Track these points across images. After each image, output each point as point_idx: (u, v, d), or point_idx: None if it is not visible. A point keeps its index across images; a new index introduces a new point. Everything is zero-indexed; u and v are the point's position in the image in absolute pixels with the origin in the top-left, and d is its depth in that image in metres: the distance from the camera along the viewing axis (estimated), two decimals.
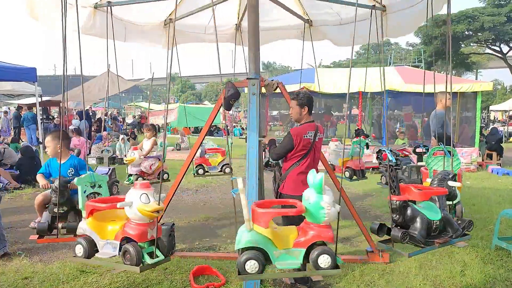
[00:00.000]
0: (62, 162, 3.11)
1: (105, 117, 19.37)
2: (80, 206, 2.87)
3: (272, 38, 6.20)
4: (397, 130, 17.56)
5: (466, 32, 26.15)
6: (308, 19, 5.54)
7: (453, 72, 31.10)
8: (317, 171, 3.77)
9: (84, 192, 2.98)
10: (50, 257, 4.48)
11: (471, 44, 29.21)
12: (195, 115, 20.49)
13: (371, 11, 4.38)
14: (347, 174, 5.26)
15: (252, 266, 2.20)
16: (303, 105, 3.71)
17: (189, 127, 22.43)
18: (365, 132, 5.80)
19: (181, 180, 4.40)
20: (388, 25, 4.78)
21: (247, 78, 4.08)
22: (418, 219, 2.75)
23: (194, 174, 5.82)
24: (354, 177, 5.23)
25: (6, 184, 7.99)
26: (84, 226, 2.69)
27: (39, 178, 4.14)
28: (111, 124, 21.05)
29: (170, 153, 15.21)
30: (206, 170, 5.90)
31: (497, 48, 28.93)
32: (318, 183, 2.25)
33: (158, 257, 2.53)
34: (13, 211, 6.48)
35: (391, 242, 2.83)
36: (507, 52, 28.91)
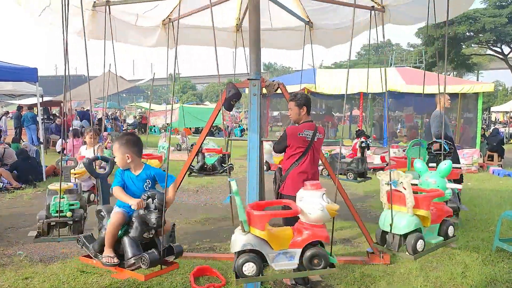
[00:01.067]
0: (136, 173, 2.69)
1: (105, 117, 19.36)
2: (241, 218, 2.31)
3: (276, 44, 6.22)
4: (398, 131, 17.54)
5: (467, 33, 26.15)
6: (309, 21, 5.54)
7: (454, 73, 31.11)
8: (317, 170, 3.78)
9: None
10: (51, 257, 4.47)
11: (472, 45, 29.21)
12: (195, 115, 20.48)
13: (371, 12, 4.39)
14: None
15: (250, 268, 2.21)
16: (301, 105, 3.78)
17: (190, 128, 22.43)
18: (366, 133, 5.79)
19: (181, 181, 4.40)
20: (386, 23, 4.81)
21: (248, 79, 4.08)
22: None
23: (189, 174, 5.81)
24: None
25: (7, 183, 8.00)
26: (253, 240, 2.28)
27: (121, 194, 2.60)
28: (112, 125, 21.06)
29: (170, 153, 15.23)
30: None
31: (498, 49, 28.93)
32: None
33: None
34: (13, 211, 6.49)
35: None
36: (508, 53, 28.92)
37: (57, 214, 3.16)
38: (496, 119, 33.57)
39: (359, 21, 5.02)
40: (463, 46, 28.32)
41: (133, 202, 2.45)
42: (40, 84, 9.63)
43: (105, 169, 3.46)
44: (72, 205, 3.23)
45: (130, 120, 26.57)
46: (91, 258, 2.65)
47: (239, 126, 24.84)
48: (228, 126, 24.26)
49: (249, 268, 2.21)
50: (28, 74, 8.92)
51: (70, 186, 3.43)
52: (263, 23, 5.03)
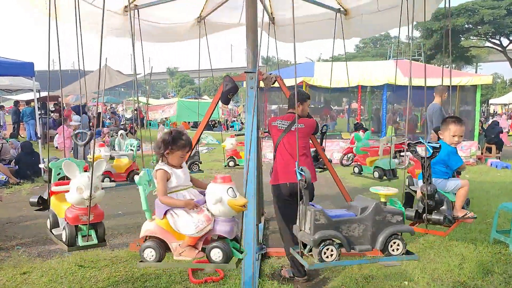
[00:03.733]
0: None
1: (101, 111, 19.29)
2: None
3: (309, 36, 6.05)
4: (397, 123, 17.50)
5: (466, 26, 26.04)
6: (340, 8, 5.09)
7: (453, 65, 31.02)
8: (302, 159, 3.77)
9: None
10: (49, 252, 4.48)
11: (471, 38, 29.11)
12: (194, 109, 20.41)
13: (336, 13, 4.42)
14: (376, 174, 4.96)
15: (149, 254, 2.32)
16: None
17: (188, 122, 22.38)
18: (364, 126, 5.79)
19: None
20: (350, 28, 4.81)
21: (245, 72, 4.06)
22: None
23: (225, 165, 6.03)
24: (384, 177, 4.95)
25: (6, 179, 7.99)
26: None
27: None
28: (111, 119, 20.98)
29: None
30: (237, 163, 6.01)
31: (497, 42, 28.84)
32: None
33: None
34: (11, 206, 6.48)
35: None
36: (507, 45, 28.84)
37: None
38: (494, 111, 33.57)
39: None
40: (462, 39, 28.23)
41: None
42: (36, 78, 9.57)
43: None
44: None
45: (128, 114, 26.47)
46: None
47: (237, 120, 24.80)
48: (227, 120, 24.25)
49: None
50: (24, 69, 8.85)
51: None
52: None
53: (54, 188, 2.86)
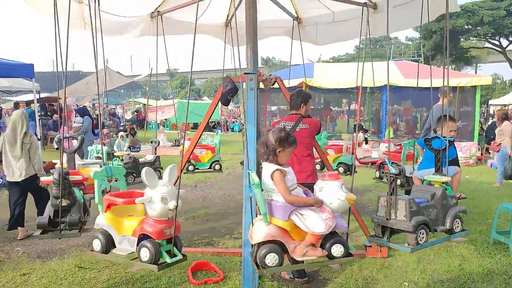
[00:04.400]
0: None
1: (99, 112, 19.28)
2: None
3: (260, 35, 6.08)
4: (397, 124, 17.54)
5: (466, 26, 26.06)
6: (297, 17, 5.42)
7: (453, 66, 31.04)
8: (306, 159, 3.78)
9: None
10: (49, 253, 4.48)
11: (471, 38, 29.12)
12: (194, 111, 20.43)
13: (363, 8, 4.35)
14: (340, 169, 5.34)
15: (273, 259, 2.25)
16: None
17: (188, 123, 22.38)
18: (364, 127, 5.80)
19: (180, 176, 4.38)
20: (376, 23, 4.72)
21: (244, 73, 4.06)
22: None
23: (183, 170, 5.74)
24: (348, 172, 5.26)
25: (4, 180, 7.98)
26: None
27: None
28: (109, 120, 20.97)
29: (169, 148, 15.22)
30: (196, 167, 5.79)
31: (497, 42, 28.85)
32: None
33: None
34: None
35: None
36: (507, 46, 28.84)
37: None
38: (494, 112, 33.56)
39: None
40: (462, 39, 28.25)
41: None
42: (36, 80, 9.57)
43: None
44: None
45: (128, 116, 26.48)
46: None
47: (236, 122, 24.79)
48: (226, 121, 24.24)
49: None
50: (24, 70, 8.86)
51: None
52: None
53: (118, 200, 2.66)
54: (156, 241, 2.44)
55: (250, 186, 2.32)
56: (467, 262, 4.13)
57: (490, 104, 32.60)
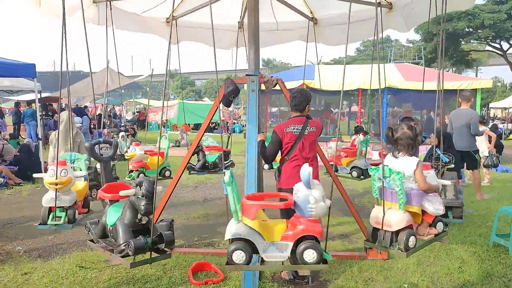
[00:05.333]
0: None
1: (101, 112, 19.32)
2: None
3: (276, 40, 6.14)
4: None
5: (467, 29, 26.12)
6: (313, 17, 5.45)
7: (453, 69, 31.08)
8: (313, 164, 3.79)
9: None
10: (50, 253, 4.49)
11: (471, 41, 29.17)
12: (194, 111, 20.47)
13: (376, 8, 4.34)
14: (354, 174, 5.22)
15: (239, 256, 2.25)
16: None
17: (189, 124, 22.41)
18: (364, 129, 5.81)
19: (180, 176, 4.41)
20: (392, 22, 4.73)
21: (246, 75, 4.08)
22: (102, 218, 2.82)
23: (131, 178, 5.27)
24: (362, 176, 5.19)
25: (8, 179, 8.02)
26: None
27: None
28: (107, 121, 20.96)
29: (170, 149, 15.22)
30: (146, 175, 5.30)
31: (497, 45, 28.92)
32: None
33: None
34: (12, 207, 6.49)
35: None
36: (507, 49, 28.92)
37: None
38: (494, 115, 33.59)
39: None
40: (462, 42, 28.30)
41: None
42: (37, 80, 9.60)
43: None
44: None
45: (128, 116, 26.53)
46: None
47: (237, 123, 24.83)
48: (227, 123, 24.27)
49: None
50: (26, 70, 8.88)
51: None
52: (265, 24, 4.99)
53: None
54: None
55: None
56: (467, 265, 4.15)
57: (490, 107, 32.63)
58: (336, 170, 5.24)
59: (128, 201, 2.50)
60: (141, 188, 2.40)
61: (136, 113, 26.48)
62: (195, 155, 5.14)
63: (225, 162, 5.88)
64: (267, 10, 5.32)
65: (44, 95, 14.54)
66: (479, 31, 26.08)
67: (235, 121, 25.95)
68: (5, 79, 12.57)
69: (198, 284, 3.66)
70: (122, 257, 2.43)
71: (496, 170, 10.36)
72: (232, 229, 2.28)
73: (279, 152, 3.85)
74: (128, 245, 2.38)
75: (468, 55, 29.85)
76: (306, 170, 2.26)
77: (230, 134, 5.83)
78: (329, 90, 11.52)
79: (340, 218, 5.84)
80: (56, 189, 3.07)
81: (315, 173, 3.78)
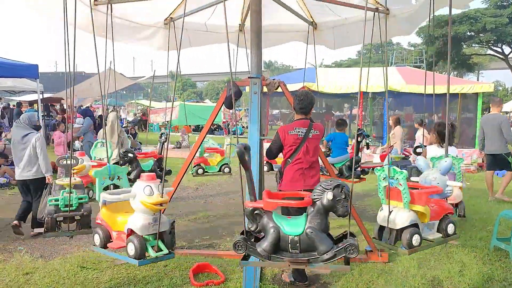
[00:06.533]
0: None
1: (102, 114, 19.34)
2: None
3: (276, 41, 6.18)
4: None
5: (468, 33, 26.14)
6: (312, 22, 5.50)
7: (455, 73, 31.09)
8: (315, 166, 3.80)
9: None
10: (51, 253, 4.51)
11: (473, 45, 29.20)
12: (196, 113, 20.47)
13: (374, 13, 4.38)
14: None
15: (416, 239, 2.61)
16: (294, 106, 3.86)
17: (190, 125, 22.42)
18: (365, 132, 5.81)
19: (181, 178, 4.43)
20: (390, 27, 4.76)
21: (248, 77, 4.10)
22: (269, 231, 2.36)
23: (193, 173, 5.86)
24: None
25: (10, 179, 8.04)
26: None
27: None
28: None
29: (170, 151, 15.25)
30: (206, 170, 5.92)
31: (499, 49, 28.92)
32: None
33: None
34: (14, 207, 6.49)
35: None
36: (509, 54, 28.91)
37: (67, 209, 3.10)
38: None
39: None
40: (464, 46, 28.31)
41: None
42: (39, 80, 9.63)
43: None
44: (81, 199, 3.19)
45: (130, 117, 26.55)
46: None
47: (238, 124, 24.82)
48: (228, 124, 24.27)
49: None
50: (29, 71, 8.91)
51: (78, 181, 3.36)
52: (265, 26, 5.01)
53: None
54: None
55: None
56: (467, 268, 4.15)
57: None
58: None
59: (318, 206, 2.37)
60: (342, 190, 2.38)
61: (137, 114, 26.52)
62: (127, 164, 4.89)
63: (221, 164, 5.89)
64: (268, 12, 5.36)
65: (46, 95, 14.57)
66: (481, 35, 26.11)
67: (236, 123, 25.94)
68: (8, 79, 12.61)
69: (199, 286, 3.67)
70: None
71: (497, 174, 10.36)
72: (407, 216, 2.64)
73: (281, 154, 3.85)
74: (348, 248, 2.30)
75: (469, 59, 29.86)
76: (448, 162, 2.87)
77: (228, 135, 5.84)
78: (330, 92, 11.53)
79: (341, 220, 5.83)
80: (160, 210, 2.57)
81: (317, 177, 3.80)
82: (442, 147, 4.58)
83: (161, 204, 2.47)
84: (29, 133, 5.10)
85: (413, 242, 2.60)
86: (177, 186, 4.41)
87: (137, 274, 3.89)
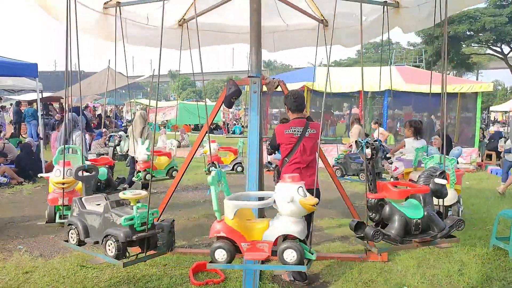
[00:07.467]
0: None
1: (103, 113, 19.34)
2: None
3: (289, 45, 6.17)
4: (397, 129, 17.57)
5: (468, 33, 26.14)
6: (323, 20, 5.44)
7: (454, 72, 31.11)
8: (312, 165, 3.80)
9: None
10: (51, 252, 4.50)
11: (472, 45, 29.21)
12: (195, 112, 20.47)
13: (383, 7, 4.36)
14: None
15: (220, 254, 2.37)
16: (286, 106, 3.88)
17: (189, 125, 22.42)
18: (365, 132, 5.84)
19: (181, 177, 4.43)
20: (401, 21, 4.73)
21: (248, 76, 4.11)
22: (396, 218, 2.69)
23: (206, 171, 5.85)
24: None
25: (10, 179, 8.03)
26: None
27: None
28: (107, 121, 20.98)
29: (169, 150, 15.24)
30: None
31: (498, 49, 28.94)
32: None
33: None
34: (13, 206, 6.51)
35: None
36: (508, 53, 28.92)
37: (143, 227, 2.66)
38: (495, 118, 33.60)
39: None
40: (463, 45, 28.32)
41: None
42: (38, 79, 9.61)
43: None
44: (153, 214, 2.78)
45: (129, 116, 26.52)
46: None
47: (237, 124, 24.83)
48: (228, 124, 24.28)
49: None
50: (28, 70, 8.89)
51: (144, 195, 2.81)
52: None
53: None
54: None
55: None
56: (467, 267, 4.16)
57: (491, 111, 32.64)
58: None
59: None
60: (444, 176, 2.83)
61: (135, 113, 26.44)
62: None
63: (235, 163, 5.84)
64: (275, 13, 5.35)
65: (45, 94, 14.56)
66: (480, 34, 26.11)
67: (235, 122, 25.95)
68: (7, 78, 12.59)
69: (198, 284, 3.67)
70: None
71: (497, 174, 10.38)
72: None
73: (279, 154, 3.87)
74: (458, 223, 2.84)
75: (469, 58, 29.86)
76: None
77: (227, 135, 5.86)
78: (330, 92, 11.53)
79: (341, 219, 5.85)
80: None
81: (310, 171, 3.80)
82: (417, 139, 5.32)
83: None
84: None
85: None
86: (177, 184, 4.41)
87: (137, 273, 3.89)
